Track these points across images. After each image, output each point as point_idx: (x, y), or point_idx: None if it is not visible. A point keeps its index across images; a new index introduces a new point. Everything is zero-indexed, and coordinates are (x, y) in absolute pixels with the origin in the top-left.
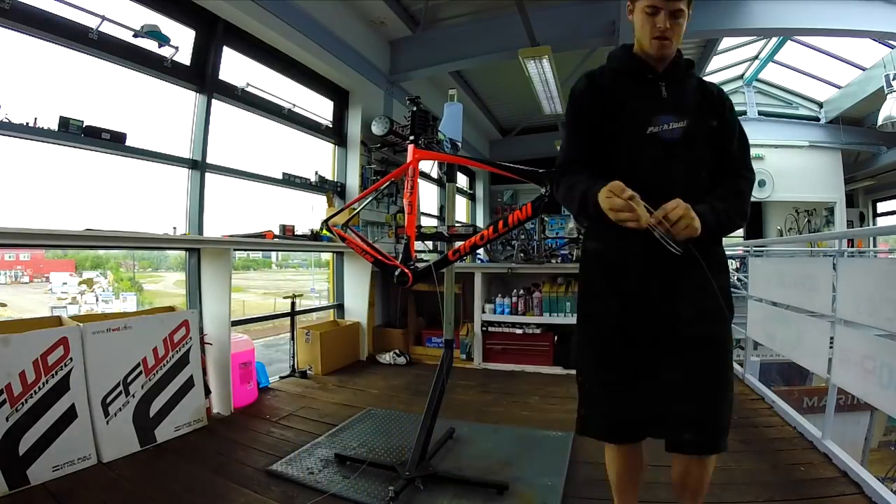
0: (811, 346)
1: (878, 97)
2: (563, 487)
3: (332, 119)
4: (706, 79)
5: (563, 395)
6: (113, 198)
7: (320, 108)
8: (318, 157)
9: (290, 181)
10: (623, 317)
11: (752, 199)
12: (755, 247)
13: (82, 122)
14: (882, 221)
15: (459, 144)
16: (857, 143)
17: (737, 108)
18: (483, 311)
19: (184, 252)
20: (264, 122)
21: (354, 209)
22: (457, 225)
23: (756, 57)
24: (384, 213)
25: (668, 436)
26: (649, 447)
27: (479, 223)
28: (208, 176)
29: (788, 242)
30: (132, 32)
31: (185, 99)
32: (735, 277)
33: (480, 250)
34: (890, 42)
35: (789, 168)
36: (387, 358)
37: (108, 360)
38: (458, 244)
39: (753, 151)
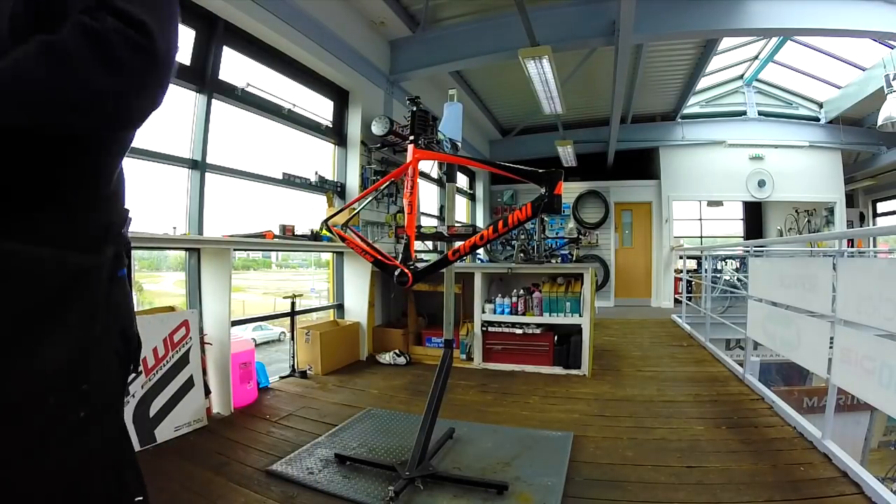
0: (811, 346)
1: (878, 97)
2: (562, 487)
3: (332, 119)
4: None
5: (563, 395)
6: None
7: (320, 108)
8: (318, 158)
9: (290, 181)
10: None
11: (752, 199)
12: (755, 247)
13: None
14: (882, 221)
15: (459, 144)
16: (857, 143)
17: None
18: (483, 311)
19: (184, 252)
20: (264, 122)
21: (354, 209)
22: (456, 225)
23: (756, 57)
24: (384, 213)
25: None
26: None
27: (479, 223)
28: (208, 176)
29: (788, 242)
30: None
31: (185, 99)
32: (735, 277)
33: (480, 250)
34: (890, 42)
35: (789, 168)
36: (387, 358)
37: None
38: (457, 244)
39: (754, 151)
